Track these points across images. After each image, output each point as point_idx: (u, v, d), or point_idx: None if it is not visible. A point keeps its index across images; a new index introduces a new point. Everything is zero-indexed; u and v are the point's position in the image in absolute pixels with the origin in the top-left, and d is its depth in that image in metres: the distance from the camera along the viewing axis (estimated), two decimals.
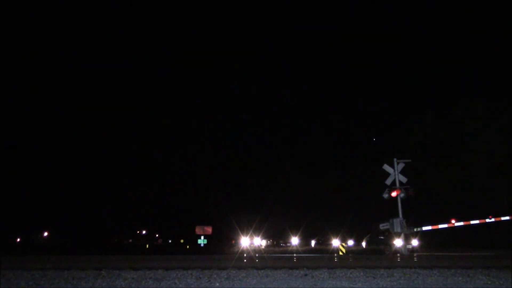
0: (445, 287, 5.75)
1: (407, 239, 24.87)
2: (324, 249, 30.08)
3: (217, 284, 6.02)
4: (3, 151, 47.52)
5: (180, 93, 79.78)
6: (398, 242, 25.49)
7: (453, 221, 23.72)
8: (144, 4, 73.86)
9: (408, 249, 25.66)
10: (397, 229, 20.39)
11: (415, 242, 26.74)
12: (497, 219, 22.81)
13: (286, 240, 48.75)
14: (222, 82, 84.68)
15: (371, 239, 24.72)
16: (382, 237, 26.16)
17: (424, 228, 23.73)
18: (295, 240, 39.47)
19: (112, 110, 72.43)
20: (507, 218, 22.55)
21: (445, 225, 23.72)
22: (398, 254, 18.27)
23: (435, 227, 23.76)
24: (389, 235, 25.48)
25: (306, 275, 6.79)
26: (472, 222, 23.12)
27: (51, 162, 53.60)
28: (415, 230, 22.36)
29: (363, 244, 25.88)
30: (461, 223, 23.34)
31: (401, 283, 6.01)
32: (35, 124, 58.73)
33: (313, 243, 43.51)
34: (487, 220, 22.96)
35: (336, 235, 34.88)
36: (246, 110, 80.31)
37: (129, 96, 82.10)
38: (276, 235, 53.69)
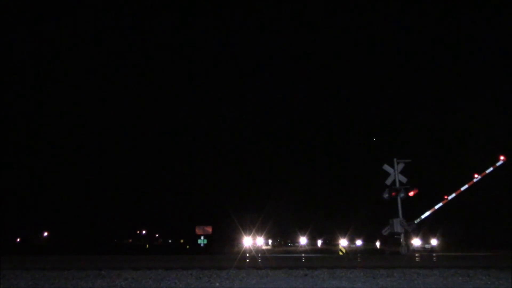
0: (445, 287, 5.75)
1: (424, 239, 24.76)
2: (331, 249, 29.87)
3: (217, 284, 6.02)
4: (3, 152, 47.51)
5: (181, 93, 79.79)
6: (416, 242, 25.38)
7: (445, 197, 24.18)
8: (144, 3, 73.83)
9: (427, 249, 25.52)
10: (398, 229, 20.31)
11: (434, 242, 26.56)
12: (482, 174, 23.49)
13: (294, 240, 48.47)
14: (222, 82, 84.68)
15: (386, 238, 24.54)
16: (398, 236, 25.85)
17: (423, 216, 23.85)
18: (303, 240, 39.16)
19: (112, 111, 72.39)
20: (491, 169, 23.18)
21: (440, 204, 24.11)
22: (417, 254, 18.00)
23: (432, 210, 24.00)
24: (406, 234, 25.47)
25: (306, 275, 6.78)
26: (462, 188, 23.74)
27: (51, 162, 53.59)
28: (415, 222, 22.41)
29: (377, 244, 25.45)
30: (453, 195, 23.79)
31: (401, 283, 6.00)
32: (35, 125, 58.72)
33: (319, 243, 43.06)
34: (474, 180, 23.56)
35: (343, 235, 34.65)
36: (248, 110, 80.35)
37: (129, 96, 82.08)
38: (283, 235, 53.46)
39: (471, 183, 23.80)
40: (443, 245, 27.49)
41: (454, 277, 6.39)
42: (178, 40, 77.44)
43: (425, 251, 25.23)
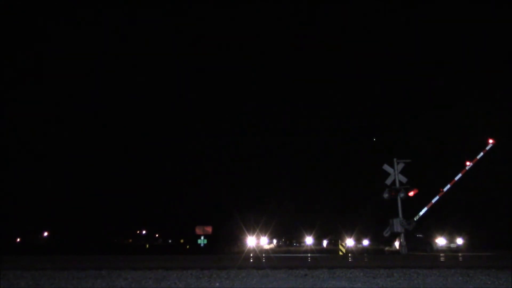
0: (445, 287, 5.75)
1: (449, 238, 24.32)
2: (336, 249, 29.68)
3: (217, 284, 6.02)
4: (3, 152, 47.54)
5: (182, 93, 79.87)
6: (440, 241, 24.82)
7: (441, 189, 24.23)
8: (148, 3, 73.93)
9: (453, 249, 25.14)
10: (397, 228, 20.34)
11: (459, 241, 26.10)
12: (474, 160, 23.68)
13: (300, 240, 48.30)
14: (223, 82, 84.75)
15: (406, 237, 23.83)
16: (421, 235, 25.24)
17: (421, 213, 23.81)
18: (309, 240, 39.04)
19: (112, 110, 72.47)
20: (481, 154, 23.34)
21: (437, 197, 24.14)
22: (442, 254, 17.68)
23: (429, 205, 23.97)
24: (429, 233, 25.19)
25: (306, 275, 6.78)
26: (456, 178, 23.85)
27: (51, 162, 53.62)
28: (414, 219, 22.35)
29: (396, 244, 24.80)
30: (448, 186, 23.87)
31: (401, 283, 6.01)
32: (35, 125, 58.75)
33: (325, 243, 42.65)
34: (467, 168, 23.68)
35: (350, 235, 34.39)
36: (250, 108, 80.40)
37: (129, 96, 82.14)
38: (289, 234, 53.29)
39: (464, 171, 23.93)
40: (470, 244, 26.65)
41: (454, 277, 6.40)
42: (180, 40, 77.48)
43: (451, 251, 24.55)
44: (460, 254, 17.58)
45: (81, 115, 70.34)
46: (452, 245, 25.42)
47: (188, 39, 77.93)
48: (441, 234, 25.70)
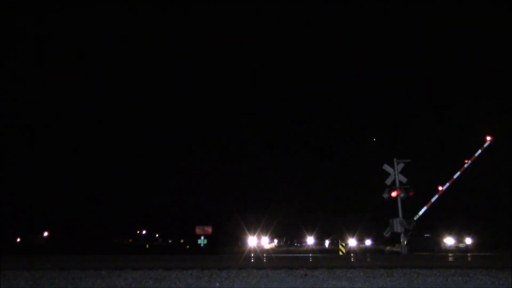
0: (445, 287, 5.75)
1: (458, 237, 24.12)
2: (338, 249, 29.50)
3: (217, 284, 6.02)
4: (3, 152, 47.54)
5: (182, 93, 79.84)
6: (449, 240, 24.45)
7: (440, 188, 24.15)
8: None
9: (461, 248, 24.85)
10: (397, 229, 20.30)
11: (468, 241, 25.74)
12: (472, 158, 23.64)
13: (301, 240, 48.16)
14: (223, 82, 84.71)
15: (413, 237, 23.06)
16: (428, 235, 24.91)
17: (421, 212, 23.69)
18: (310, 240, 38.95)
19: (113, 110, 72.46)
20: (479, 151, 23.35)
21: (436, 196, 24.06)
22: (451, 255, 17.44)
23: (429, 204, 23.87)
24: (437, 233, 24.93)
25: (306, 275, 6.78)
26: (455, 176, 23.80)
27: (51, 162, 53.59)
28: (414, 219, 22.25)
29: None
30: (447, 185, 23.82)
31: (401, 283, 6.00)
32: (35, 125, 58.74)
33: (327, 243, 42.35)
34: (465, 166, 23.65)
35: (352, 234, 34.18)
36: (249, 108, 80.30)
37: (130, 96, 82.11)
38: (290, 234, 53.18)
39: (462, 169, 23.88)
40: (479, 244, 26.13)
41: (454, 277, 6.39)
42: (180, 40, 77.46)
43: (459, 251, 24.10)
44: (469, 254, 17.25)
45: (81, 115, 70.34)
46: (461, 245, 24.90)
47: (188, 39, 77.94)
48: (450, 234, 25.36)
